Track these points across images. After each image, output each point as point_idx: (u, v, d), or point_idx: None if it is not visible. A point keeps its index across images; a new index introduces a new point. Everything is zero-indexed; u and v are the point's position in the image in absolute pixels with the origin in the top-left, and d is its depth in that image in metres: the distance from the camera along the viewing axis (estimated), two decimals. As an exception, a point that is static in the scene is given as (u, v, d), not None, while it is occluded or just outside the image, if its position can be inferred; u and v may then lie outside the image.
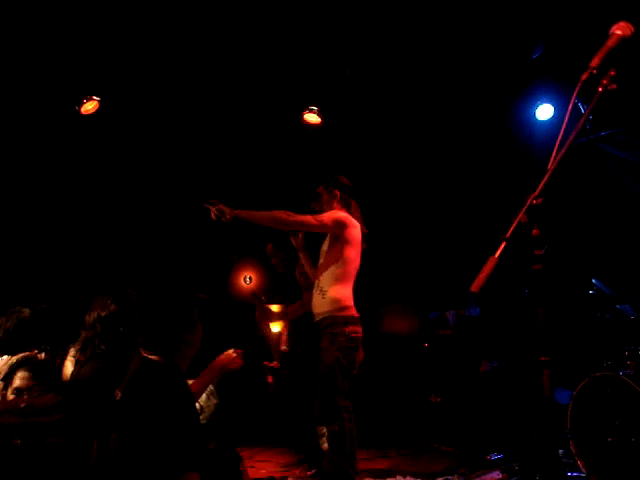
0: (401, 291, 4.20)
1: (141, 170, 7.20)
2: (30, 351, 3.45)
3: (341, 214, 4.40)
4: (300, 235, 4.79)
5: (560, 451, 4.85)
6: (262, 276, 8.36)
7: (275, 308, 6.09)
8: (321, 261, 4.49)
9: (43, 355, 3.43)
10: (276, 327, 6.32)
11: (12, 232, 6.55)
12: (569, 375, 5.19)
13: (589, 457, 4.67)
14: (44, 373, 3.37)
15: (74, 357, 3.37)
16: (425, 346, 6.60)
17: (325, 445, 4.22)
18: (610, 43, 2.10)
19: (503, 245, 1.76)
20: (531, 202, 1.81)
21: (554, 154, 1.90)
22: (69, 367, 3.36)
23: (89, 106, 6.26)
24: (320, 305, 4.34)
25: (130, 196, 7.24)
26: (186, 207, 7.06)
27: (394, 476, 5.21)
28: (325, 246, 4.48)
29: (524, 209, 1.81)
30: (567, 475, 4.80)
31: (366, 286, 5.40)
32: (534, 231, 1.82)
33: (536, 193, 1.82)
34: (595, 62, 2.05)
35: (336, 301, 4.27)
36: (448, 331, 6.46)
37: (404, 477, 5.17)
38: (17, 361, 3.37)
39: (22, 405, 3.11)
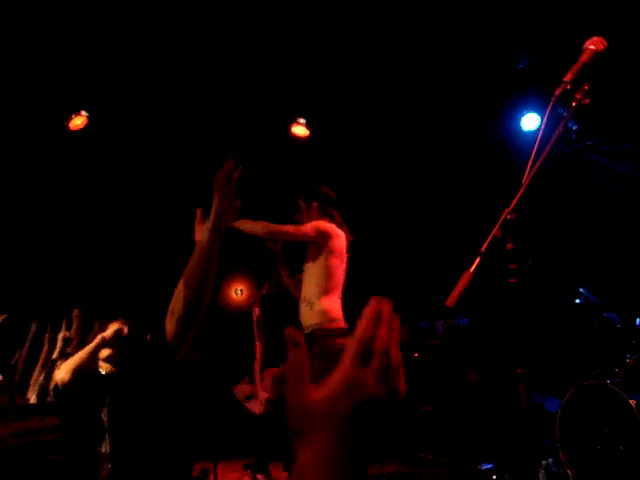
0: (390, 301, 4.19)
1: (126, 183, 7.19)
2: None
3: (324, 224, 4.40)
4: (279, 244, 4.73)
5: (549, 460, 4.86)
6: (253, 288, 8.37)
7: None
8: (305, 273, 4.47)
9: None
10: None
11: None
12: (559, 384, 5.21)
13: (578, 465, 4.69)
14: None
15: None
16: (415, 356, 6.62)
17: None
18: (584, 58, 2.12)
19: (478, 260, 1.78)
20: (505, 217, 1.83)
21: (528, 169, 1.92)
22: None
23: (78, 121, 6.29)
24: (309, 317, 4.30)
25: (116, 207, 7.23)
26: (173, 219, 7.08)
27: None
28: (308, 258, 4.46)
29: (498, 224, 1.83)
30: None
31: (355, 296, 5.41)
32: (509, 245, 1.84)
33: (510, 208, 1.84)
34: (569, 77, 2.08)
35: (325, 313, 4.25)
36: (437, 341, 6.47)
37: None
38: None
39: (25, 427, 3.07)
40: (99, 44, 5.63)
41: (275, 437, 5.69)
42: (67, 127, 6.25)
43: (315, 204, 4.54)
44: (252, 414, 5.83)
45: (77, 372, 3.09)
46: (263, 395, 5.78)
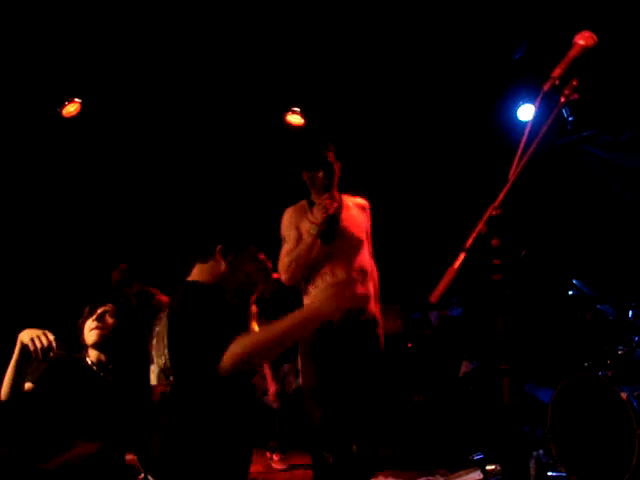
0: (384, 291, 4.17)
1: (118, 175, 7.17)
2: None
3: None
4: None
5: (540, 451, 4.87)
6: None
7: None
8: (360, 243, 3.98)
9: None
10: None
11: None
12: (553, 375, 5.22)
13: (569, 457, 4.70)
14: None
15: None
16: (409, 346, 6.62)
17: None
18: (573, 53, 2.11)
19: (462, 256, 1.78)
20: (491, 213, 1.82)
21: (515, 164, 1.91)
22: None
23: (71, 108, 6.26)
24: (375, 298, 3.91)
25: (107, 195, 7.22)
26: (166, 207, 7.09)
27: (375, 475, 5.22)
28: (361, 226, 4.02)
29: (484, 219, 1.82)
30: (547, 475, 4.84)
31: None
32: (494, 241, 1.83)
33: (496, 204, 1.83)
34: (557, 72, 2.06)
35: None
36: (430, 331, 6.48)
37: (385, 477, 5.19)
38: None
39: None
40: (92, 32, 5.60)
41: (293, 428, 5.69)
42: (60, 114, 6.21)
43: (339, 163, 4.14)
44: (270, 408, 5.81)
45: (13, 388, 2.98)
46: (272, 389, 5.73)
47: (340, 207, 3.99)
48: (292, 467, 5.84)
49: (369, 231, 4.14)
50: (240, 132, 7.05)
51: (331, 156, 4.03)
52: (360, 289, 3.74)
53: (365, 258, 3.97)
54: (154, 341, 3.17)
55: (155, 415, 2.86)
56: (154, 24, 5.69)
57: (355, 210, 4.11)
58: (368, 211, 4.20)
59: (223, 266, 2.77)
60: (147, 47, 5.94)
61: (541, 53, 5.72)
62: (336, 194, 4.03)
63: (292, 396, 5.70)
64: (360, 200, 4.21)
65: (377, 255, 4.24)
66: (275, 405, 5.77)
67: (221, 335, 2.46)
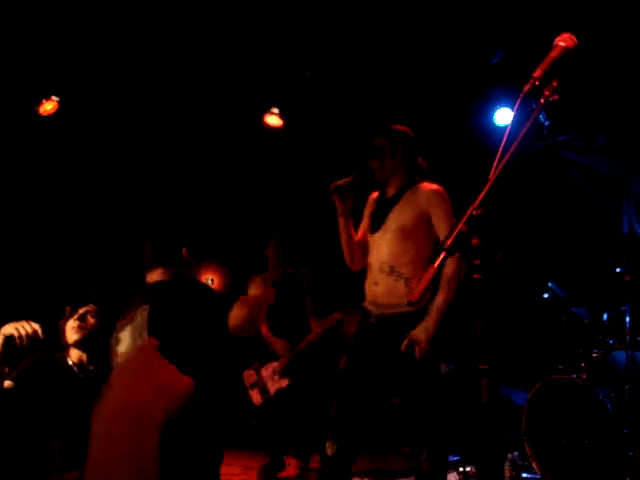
0: (357, 293, 4.16)
1: (97, 168, 7.12)
2: None
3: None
4: (350, 199, 3.90)
5: (515, 453, 4.90)
6: (224, 278, 8.33)
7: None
8: (396, 237, 3.67)
9: None
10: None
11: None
12: (528, 377, 5.25)
13: (544, 459, 4.74)
14: None
15: None
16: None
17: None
18: (553, 54, 2.11)
19: (443, 255, 1.78)
20: (471, 212, 1.82)
21: (495, 164, 1.91)
22: None
23: (48, 106, 6.20)
24: (400, 295, 3.55)
25: (85, 193, 7.16)
26: (144, 204, 7.04)
27: (351, 477, 5.20)
28: (405, 220, 3.69)
29: (464, 219, 1.82)
30: (522, 477, 4.87)
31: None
32: (474, 241, 1.83)
33: (476, 203, 1.83)
34: (538, 73, 2.07)
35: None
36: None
37: (361, 478, 5.18)
38: None
39: None
40: (70, 29, 5.55)
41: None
42: (37, 112, 6.15)
43: (402, 149, 3.88)
44: (251, 403, 5.75)
45: None
46: (273, 386, 5.67)
47: (344, 189, 3.85)
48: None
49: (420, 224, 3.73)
50: (216, 134, 7.04)
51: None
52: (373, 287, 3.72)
53: (398, 251, 3.68)
54: (120, 346, 3.08)
55: None
56: (131, 22, 5.65)
57: (412, 201, 3.75)
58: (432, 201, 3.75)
59: (190, 267, 2.97)
60: (125, 45, 5.90)
61: (518, 58, 5.75)
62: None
63: (273, 398, 5.65)
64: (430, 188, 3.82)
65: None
66: (255, 400, 5.71)
67: (213, 330, 2.66)
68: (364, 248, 3.89)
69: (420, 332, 3.45)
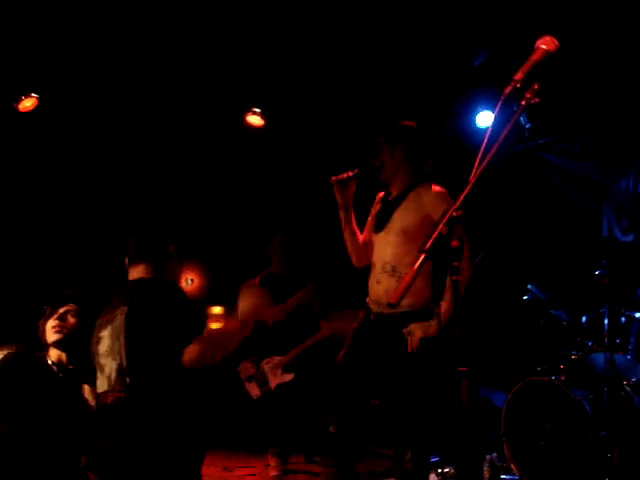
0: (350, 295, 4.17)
1: (76, 166, 7.06)
2: None
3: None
4: (351, 191, 3.90)
5: (494, 454, 4.91)
6: (204, 278, 8.29)
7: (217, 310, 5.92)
8: (399, 239, 3.69)
9: None
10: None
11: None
12: (507, 379, 5.26)
13: (522, 460, 4.75)
14: None
15: None
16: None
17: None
18: (535, 57, 2.13)
19: (422, 257, 1.78)
20: (451, 214, 1.83)
21: (476, 166, 1.92)
22: None
23: (27, 103, 6.14)
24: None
25: (64, 190, 7.11)
26: (124, 203, 6.99)
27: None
28: (408, 222, 3.69)
29: (444, 220, 1.82)
30: (501, 478, 4.88)
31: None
32: (453, 243, 1.83)
33: (457, 205, 1.84)
34: (519, 75, 2.08)
35: (424, 291, 3.61)
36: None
37: None
38: None
39: None
40: (50, 25, 5.51)
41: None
42: (16, 109, 6.10)
43: (402, 147, 3.84)
44: (249, 397, 5.70)
45: None
46: (274, 380, 5.60)
47: (344, 182, 3.87)
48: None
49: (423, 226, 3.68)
50: (197, 133, 7.01)
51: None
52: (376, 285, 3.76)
53: (400, 252, 3.68)
54: (101, 345, 3.05)
55: (106, 420, 2.82)
56: (113, 20, 5.61)
57: (415, 202, 3.74)
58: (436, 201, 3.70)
59: (175, 264, 2.97)
60: (107, 42, 5.85)
61: (500, 60, 5.77)
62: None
63: (273, 392, 5.62)
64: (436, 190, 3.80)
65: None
66: (253, 393, 5.66)
67: (185, 331, 2.61)
68: (369, 246, 3.92)
69: (419, 328, 3.53)
